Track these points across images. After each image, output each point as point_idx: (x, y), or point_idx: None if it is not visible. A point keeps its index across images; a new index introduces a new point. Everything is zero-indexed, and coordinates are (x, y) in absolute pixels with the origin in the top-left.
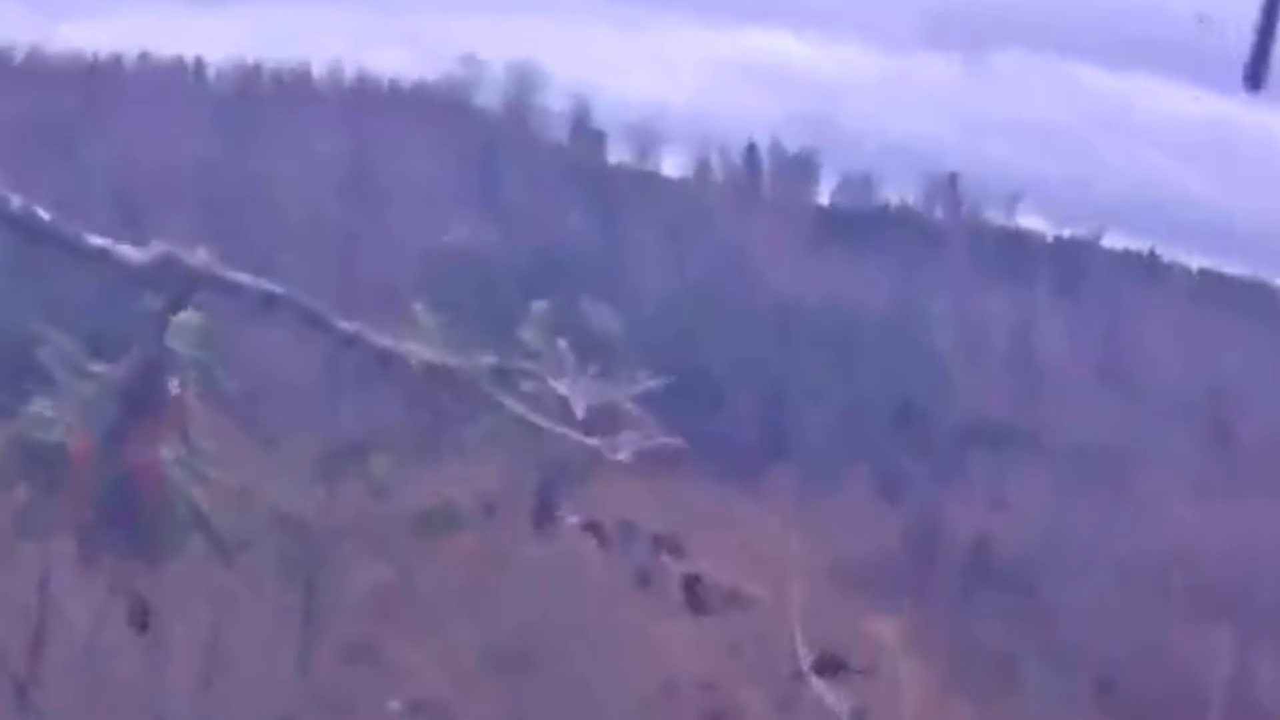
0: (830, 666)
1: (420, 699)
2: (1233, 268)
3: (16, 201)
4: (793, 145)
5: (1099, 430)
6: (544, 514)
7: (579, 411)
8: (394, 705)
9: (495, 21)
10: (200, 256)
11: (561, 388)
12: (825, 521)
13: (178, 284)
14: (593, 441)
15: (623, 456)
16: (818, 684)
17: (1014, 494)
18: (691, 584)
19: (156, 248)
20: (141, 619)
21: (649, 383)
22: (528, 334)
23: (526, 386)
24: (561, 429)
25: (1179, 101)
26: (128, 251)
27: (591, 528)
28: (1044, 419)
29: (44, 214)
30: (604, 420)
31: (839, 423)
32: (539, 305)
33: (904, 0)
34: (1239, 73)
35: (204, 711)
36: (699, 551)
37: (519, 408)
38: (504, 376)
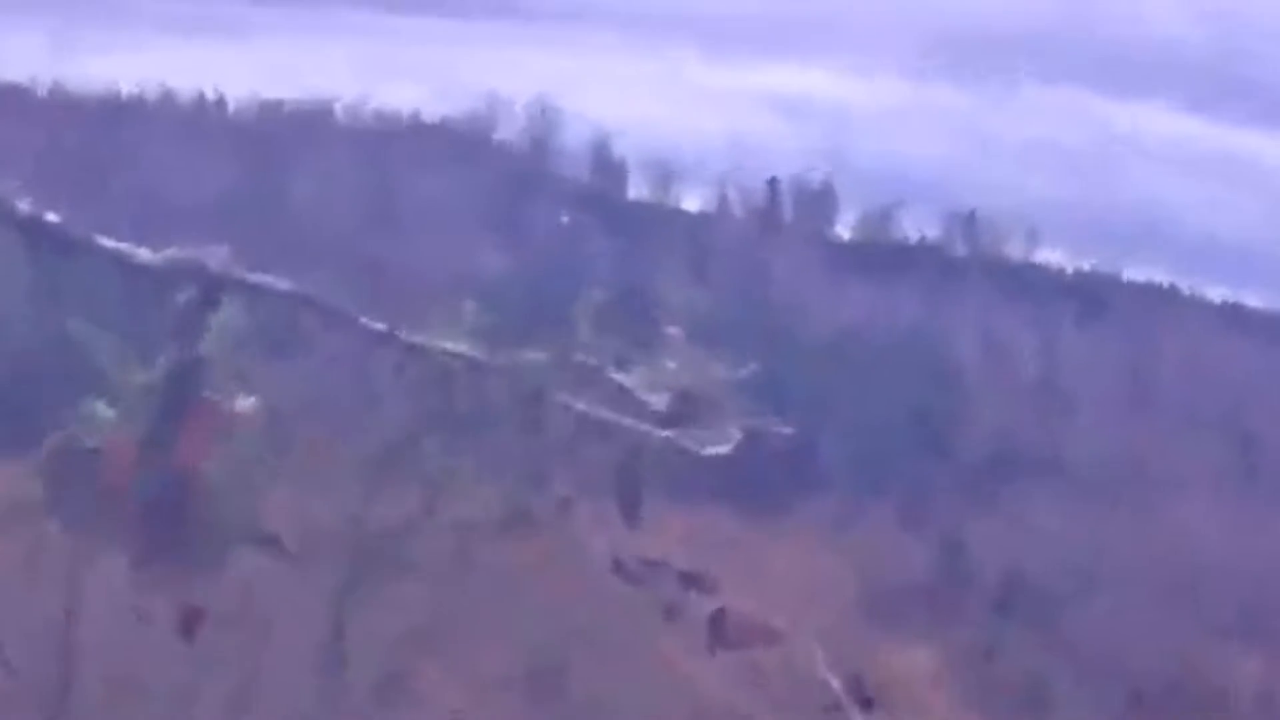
0: (860, 700)
1: None
2: (1253, 299)
3: (26, 205)
4: (813, 179)
5: (1124, 457)
6: (630, 511)
7: (659, 404)
8: None
9: (514, 57)
10: (219, 257)
11: (628, 380)
12: (853, 552)
13: (202, 285)
14: (668, 433)
15: (720, 450)
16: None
17: (1041, 522)
18: (717, 620)
19: (174, 252)
20: (191, 627)
21: (740, 370)
22: (583, 327)
23: (589, 381)
24: (636, 423)
25: (1192, 131)
26: (145, 254)
27: (617, 567)
28: (1069, 447)
29: (61, 220)
30: (684, 414)
31: (865, 454)
32: (595, 295)
33: (916, 33)
34: (1253, 103)
35: None
36: (726, 583)
37: (585, 406)
38: (564, 371)
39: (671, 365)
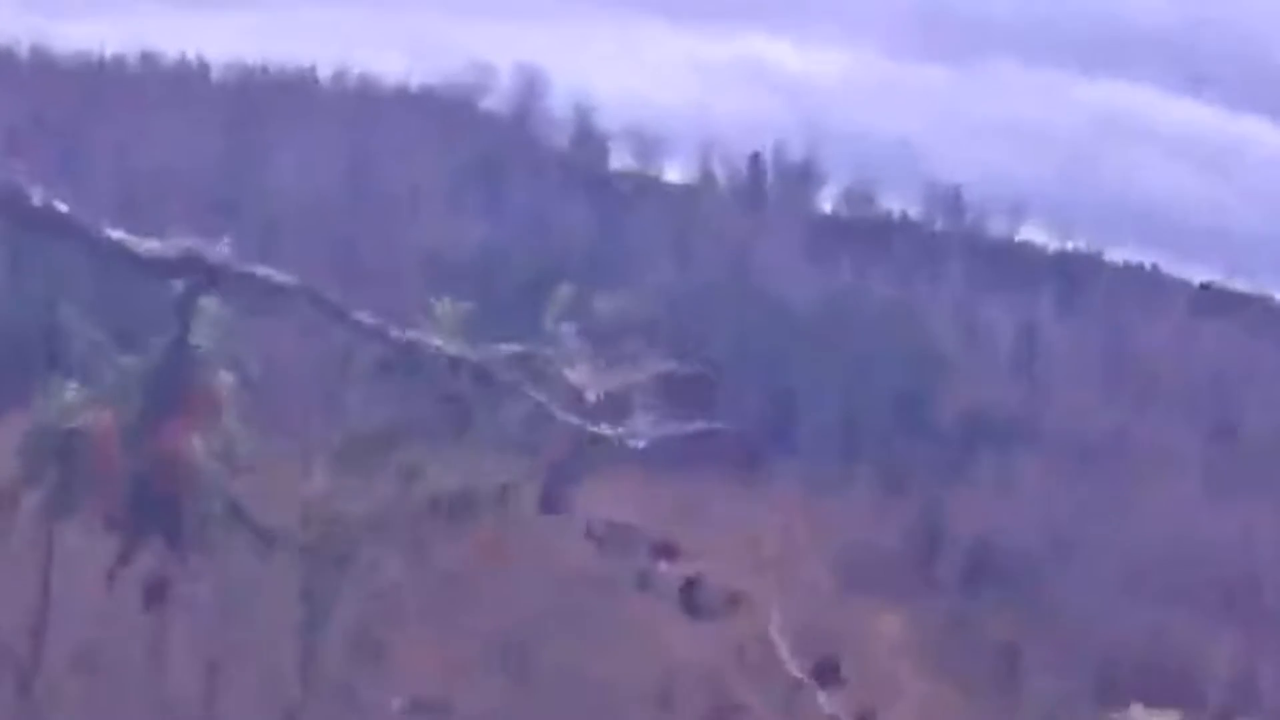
0: (831, 672)
1: (422, 696)
2: (1236, 282)
3: (38, 196)
4: (795, 152)
5: (1102, 431)
6: (553, 503)
7: (590, 397)
8: (396, 703)
9: (497, 26)
10: (221, 251)
11: (574, 375)
12: (829, 520)
13: (200, 277)
14: (606, 429)
15: (641, 444)
16: (818, 692)
17: (1017, 492)
18: (690, 588)
19: (179, 242)
20: (158, 595)
21: (662, 365)
22: (549, 320)
23: (543, 375)
24: (571, 417)
25: (1174, 112)
26: (151, 245)
27: (588, 533)
28: (1047, 420)
29: (66, 208)
30: (620, 408)
31: (842, 422)
32: (564, 289)
33: (899, 8)
34: (1238, 86)
35: (207, 704)
36: (701, 550)
37: (537, 397)
38: (524, 366)
39: (604, 364)
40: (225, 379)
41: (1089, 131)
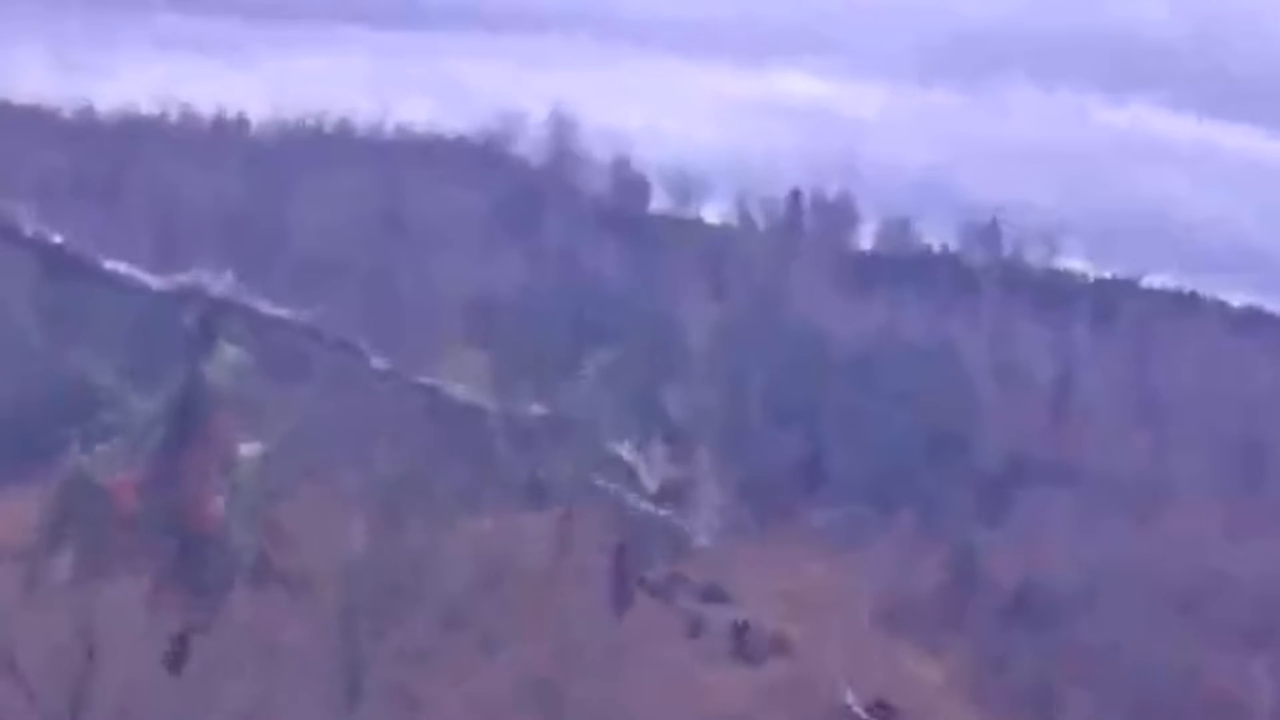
0: (877, 711)
1: None
2: (1273, 304)
3: (29, 227)
4: (831, 189)
5: (1138, 467)
6: (623, 585)
7: (650, 485)
8: None
9: (530, 71)
10: (226, 283)
11: (626, 454)
12: (867, 563)
13: (205, 311)
14: (677, 519)
15: (705, 541)
16: None
17: (1054, 532)
18: (741, 632)
19: (182, 276)
20: (178, 659)
21: (718, 465)
22: (585, 386)
23: (575, 441)
24: (641, 502)
25: (1202, 134)
26: (152, 280)
27: (641, 583)
28: (1084, 458)
29: (67, 243)
30: (679, 497)
31: (880, 465)
32: (602, 355)
33: (928, 38)
34: (1266, 105)
35: None
36: (742, 595)
37: (602, 482)
38: (558, 429)
39: (664, 454)
40: (241, 423)
41: (1119, 156)
